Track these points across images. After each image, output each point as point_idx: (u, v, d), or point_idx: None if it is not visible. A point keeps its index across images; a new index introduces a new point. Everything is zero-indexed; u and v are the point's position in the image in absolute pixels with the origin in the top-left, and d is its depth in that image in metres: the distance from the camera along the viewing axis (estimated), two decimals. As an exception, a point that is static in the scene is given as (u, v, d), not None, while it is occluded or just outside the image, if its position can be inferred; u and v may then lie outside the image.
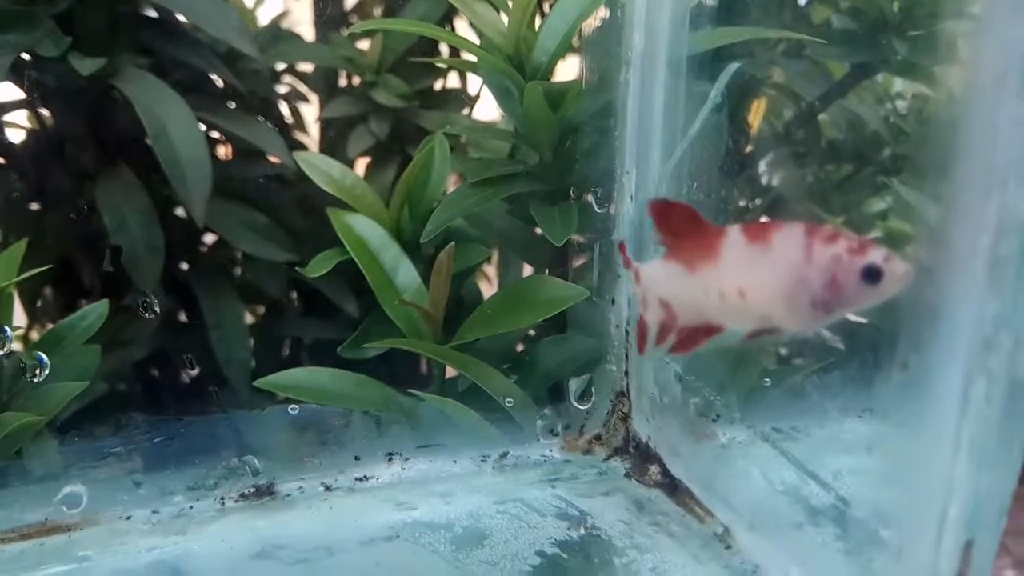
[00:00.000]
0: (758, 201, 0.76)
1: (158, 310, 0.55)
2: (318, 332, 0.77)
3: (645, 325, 0.38)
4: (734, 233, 0.34)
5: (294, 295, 0.80)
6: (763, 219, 0.73)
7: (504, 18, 0.55)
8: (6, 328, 0.44)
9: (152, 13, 0.72)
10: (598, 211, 0.50)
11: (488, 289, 0.72)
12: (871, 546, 0.39)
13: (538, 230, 0.64)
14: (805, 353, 0.53)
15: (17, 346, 0.49)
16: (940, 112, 0.46)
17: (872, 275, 0.32)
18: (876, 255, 0.32)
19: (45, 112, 0.74)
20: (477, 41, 0.61)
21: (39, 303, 0.78)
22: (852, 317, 0.64)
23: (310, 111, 0.92)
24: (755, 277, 0.33)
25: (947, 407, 0.33)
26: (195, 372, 0.68)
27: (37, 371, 0.45)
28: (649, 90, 0.45)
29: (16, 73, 0.63)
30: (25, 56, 0.62)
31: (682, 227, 0.36)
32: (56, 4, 0.63)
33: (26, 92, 0.69)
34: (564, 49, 0.53)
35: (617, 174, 0.48)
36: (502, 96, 0.57)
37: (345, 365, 0.56)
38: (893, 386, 0.36)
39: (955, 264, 0.32)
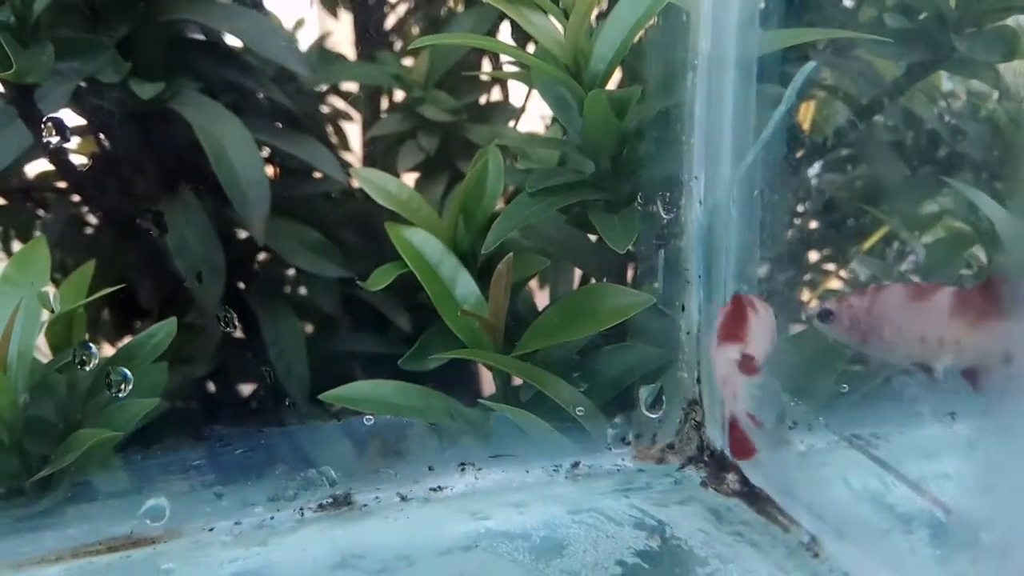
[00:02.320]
0: (810, 203, 0.75)
1: (237, 324, 0.55)
2: (370, 346, 0.78)
3: None
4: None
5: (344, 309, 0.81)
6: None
7: (557, 25, 0.55)
8: (91, 345, 0.45)
9: (202, 37, 0.73)
10: (665, 217, 0.49)
11: (535, 294, 0.72)
12: (968, 550, 0.38)
13: (593, 237, 0.64)
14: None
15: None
16: None
17: None
18: None
19: (103, 136, 0.76)
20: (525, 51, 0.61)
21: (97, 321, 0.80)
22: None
23: (351, 127, 0.94)
24: None
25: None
26: (256, 387, 0.68)
27: (122, 386, 0.45)
28: (717, 94, 0.45)
29: (75, 98, 0.64)
30: (82, 82, 0.64)
31: None
32: (116, 31, 0.65)
33: (85, 117, 0.71)
34: (621, 57, 0.53)
35: (684, 179, 0.48)
36: (559, 106, 0.57)
37: (400, 378, 0.56)
38: (991, 389, 0.35)
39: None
